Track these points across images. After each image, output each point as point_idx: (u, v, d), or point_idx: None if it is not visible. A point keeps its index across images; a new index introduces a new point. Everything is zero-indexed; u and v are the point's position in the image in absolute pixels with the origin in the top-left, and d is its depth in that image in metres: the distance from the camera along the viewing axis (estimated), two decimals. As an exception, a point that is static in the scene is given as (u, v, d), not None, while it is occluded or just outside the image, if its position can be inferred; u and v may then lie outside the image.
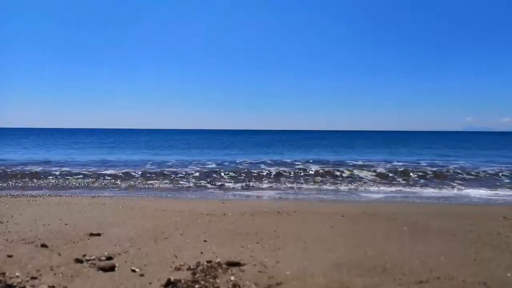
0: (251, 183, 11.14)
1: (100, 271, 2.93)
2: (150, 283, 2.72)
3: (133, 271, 2.96)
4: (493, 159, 19.05)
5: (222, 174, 12.57)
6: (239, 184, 11.01)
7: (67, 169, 13.34)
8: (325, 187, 10.73)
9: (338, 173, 12.85)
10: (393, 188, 10.54)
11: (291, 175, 12.46)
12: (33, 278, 2.75)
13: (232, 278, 2.82)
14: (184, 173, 12.64)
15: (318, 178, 12.12)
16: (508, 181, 11.83)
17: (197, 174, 12.50)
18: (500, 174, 12.81)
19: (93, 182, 10.83)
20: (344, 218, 5.33)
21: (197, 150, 27.73)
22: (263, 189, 10.28)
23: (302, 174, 12.78)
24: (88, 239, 3.92)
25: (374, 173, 12.85)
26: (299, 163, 16.27)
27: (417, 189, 10.36)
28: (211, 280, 2.76)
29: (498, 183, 11.42)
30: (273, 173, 12.74)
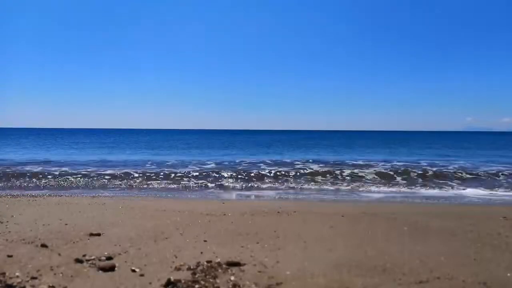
0: (251, 183, 11.14)
1: (100, 271, 2.93)
2: (150, 283, 2.72)
3: (133, 271, 2.96)
4: (493, 159, 19.06)
5: (222, 174, 12.56)
6: (239, 184, 11.01)
7: (67, 169, 13.34)
8: (325, 187, 10.73)
9: (338, 173, 12.85)
10: (393, 188, 10.54)
11: (291, 175, 12.45)
12: (33, 278, 2.75)
13: (232, 278, 2.82)
14: (184, 173, 12.64)
15: (318, 178, 12.12)
16: (508, 181, 11.83)
17: (197, 174, 12.50)
18: (500, 174, 12.81)
19: (93, 182, 10.84)
20: (344, 218, 5.33)
21: (197, 150, 27.74)
22: (263, 189, 10.28)
23: (302, 174, 12.77)
24: (88, 239, 3.92)
25: (374, 173, 12.85)
26: (299, 163, 16.27)
27: (417, 189, 10.36)
28: (211, 280, 2.76)
29: (498, 183, 11.43)
30: (273, 173, 12.74)
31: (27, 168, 13.35)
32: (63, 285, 2.65)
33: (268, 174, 12.64)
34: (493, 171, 13.27)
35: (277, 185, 10.95)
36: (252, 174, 12.48)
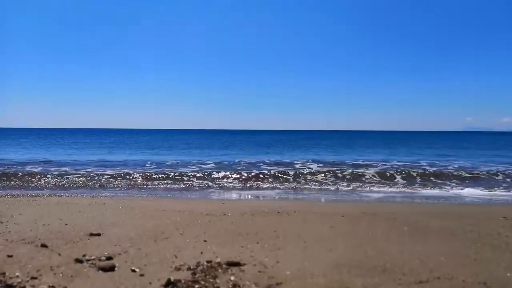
0: (251, 183, 11.14)
1: (100, 271, 2.93)
2: (150, 283, 2.72)
3: (133, 271, 2.96)
4: (493, 159, 19.06)
5: (222, 174, 12.56)
6: (239, 184, 11.01)
7: (67, 169, 13.35)
8: (325, 187, 10.73)
9: (338, 173, 12.85)
10: (393, 188, 10.54)
11: (291, 175, 12.45)
12: (33, 278, 2.75)
13: (232, 278, 2.82)
14: (184, 173, 12.64)
15: (318, 178, 12.12)
16: (508, 181, 11.83)
17: (197, 174, 12.50)
18: (500, 174, 12.82)
19: (93, 182, 10.84)
20: (344, 218, 5.33)
21: (197, 150, 27.75)
22: (263, 189, 10.28)
23: (302, 174, 12.77)
24: (88, 239, 3.92)
25: (374, 173, 12.85)
26: (299, 163, 16.27)
27: (417, 189, 10.36)
28: (211, 280, 2.76)
29: (498, 183, 11.43)
30: (273, 173, 12.73)
31: (27, 168, 13.35)
32: (63, 285, 2.65)
33: (268, 174, 12.64)
34: (493, 171, 13.28)
35: (277, 185, 10.96)
36: (252, 174, 12.48)
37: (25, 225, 4.54)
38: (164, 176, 11.94)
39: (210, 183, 11.01)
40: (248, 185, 10.90)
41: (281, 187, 10.62)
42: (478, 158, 20.29)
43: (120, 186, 10.46)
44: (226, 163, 16.32)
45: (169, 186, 10.57)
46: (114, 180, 11.28)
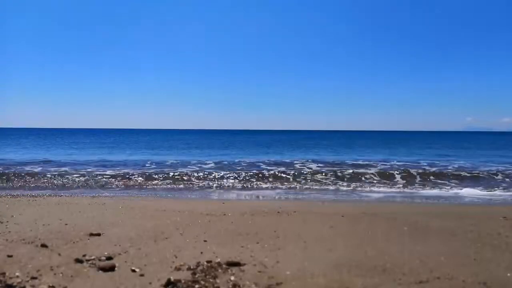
0: (251, 183, 11.14)
1: (100, 271, 2.93)
2: (150, 283, 2.72)
3: (133, 271, 2.96)
4: (493, 159, 19.06)
5: (222, 174, 12.56)
6: (239, 184, 11.02)
7: (67, 169, 13.35)
8: (325, 187, 10.73)
9: (338, 173, 12.85)
10: (393, 188, 10.54)
11: (291, 175, 12.45)
12: (33, 278, 2.75)
13: (232, 278, 2.82)
14: (184, 173, 12.64)
15: (318, 178, 12.12)
16: (508, 181, 11.83)
17: (197, 174, 12.50)
18: (500, 174, 12.81)
19: (93, 182, 10.84)
20: (344, 218, 5.33)
21: (197, 150, 27.75)
22: (263, 189, 10.28)
23: (302, 174, 12.77)
24: (88, 239, 3.92)
25: (374, 173, 12.85)
26: (299, 163, 16.27)
27: (417, 189, 10.37)
28: (211, 280, 2.76)
29: (498, 183, 11.43)
30: (273, 173, 12.73)
31: (27, 168, 13.36)
32: (63, 285, 2.65)
33: (268, 174, 12.64)
34: (493, 171, 13.27)
35: (277, 185, 10.96)
36: (252, 174, 12.48)
37: (25, 225, 4.54)
38: (164, 176, 11.94)
39: (210, 183, 11.01)
40: (248, 185, 10.90)
41: (281, 187, 10.62)
42: (478, 158, 20.28)
43: (120, 186, 10.46)
44: (226, 163, 16.32)
45: (169, 186, 10.57)
46: (114, 180, 11.28)
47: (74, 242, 3.77)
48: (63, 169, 13.32)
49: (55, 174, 11.94)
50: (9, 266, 2.99)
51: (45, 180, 11.02)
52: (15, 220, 4.85)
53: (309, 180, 11.75)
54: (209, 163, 15.86)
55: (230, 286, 2.66)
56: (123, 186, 10.45)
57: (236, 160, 17.45)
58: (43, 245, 3.58)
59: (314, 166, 14.80)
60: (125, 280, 2.76)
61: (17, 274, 2.82)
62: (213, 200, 8.14)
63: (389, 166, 14.85)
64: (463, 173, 13.00)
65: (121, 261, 3.18)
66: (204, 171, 13.14)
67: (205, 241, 3.93)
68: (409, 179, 12.10)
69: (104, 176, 11.75)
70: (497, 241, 4.08)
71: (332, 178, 12.15)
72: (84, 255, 3.30)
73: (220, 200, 7.71)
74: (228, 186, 10.74)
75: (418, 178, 12.27)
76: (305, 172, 13.03)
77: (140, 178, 11.67)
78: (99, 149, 27.50)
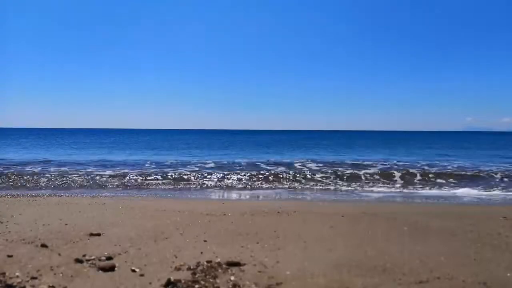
0: (251, 183, 11.14)
1: (100, 271, 2.93)
2: (150, 283, 2.72)
3: (133, 271, 2.96)
4: (493, 159, 19.06)
5: (222, 174, 12.56)
6: (239, 184, 11.02)
7: (67, 169, 13.35)
8: (325, 187, 10.73)
9: (338, 173, 12.85)
10: (393, 188, 10.54)
11: (291, 175, 12.45)
12: (33, 278, 2.75)
13: (232, 278, 2.82)
14: (184, 173, 12.64)
15: (318, 178, 12.12)
16: (507, 181, 11.83)
17: (197, 174, 12.50)
18: (500, 174, 12.81)
19: (93, 182, 10.84)
20: (344, 218, 5.34)
21: (197, 150, 27.75)
22: (263, 189, 10.29)
23: (302, 174, 12.77)
24: (88, 239, 3.92)
25: (374, 173, 12.85)
26: (299, 163, 16.27)
27: (417, 189, 10.37)
28: (211, 280, 2.76)
29: (498, 183, 11.43)
30: (273, 173, 12.73)
31: (27, 168, 13.35)
32: (63, 285, 2.65)
33: (268, 174, 12.63)
34: (493, 171, 13.27)
35: (277, 185, 10.96)
36: (252, 174, 12.48)
37: (25, 225, 4.54)
38: (164, 176, 11.94)
39: (210, 183, 11.01)
40: (248, 185, 10.90)
41: (281, 187, 10.62)
42: (478, 158, 20.29)
43: (120, 186, 10.46)
44: (226, 163, 16.32)
45: (169, 186, 10.57)
46: (114, 180, 11.28)
47: (74, 242, 3.77)
48: (63, 169, 13.32)
49: (55, 174, 11.94)
50: (9, 266, 3.00)
51: (45, 180, 11.02)
52: (15, 220, 4.85)
53: (309, 180, 11.75)
54: (209, 163, 15.85)
55: (230, 286, 2.66)
56: (123, 186, 10.45)
57: (236, 160, 17.45)
58: (43, 245, 3.58)
59: (314, 166, 14.80)
60: (125, 280, 2.76)
61: (17, 274, 2.82)
62: (213, 200, 8.15)
63: (389, 166, 14.85)
64: (463, 173, 13.00)
65: (121, 261, 3.18)
66: (204, 171, 13.14)
67: (205, 241, 3.94)
68: (409, 179, 12.10)
69: (104, 176, 11.75)
70: (497, 241, 4.08)
71: (332, 178, 12.15)
72: (84, 255, 3.30)
73: (220, 200, 7.71)
74: (228, 186, 10.74)
75: (418, 178, 12.27)
76: (305, 172, 13.02)
77: (140, 178, 11.66)
78: (99, 149, 27.50)
